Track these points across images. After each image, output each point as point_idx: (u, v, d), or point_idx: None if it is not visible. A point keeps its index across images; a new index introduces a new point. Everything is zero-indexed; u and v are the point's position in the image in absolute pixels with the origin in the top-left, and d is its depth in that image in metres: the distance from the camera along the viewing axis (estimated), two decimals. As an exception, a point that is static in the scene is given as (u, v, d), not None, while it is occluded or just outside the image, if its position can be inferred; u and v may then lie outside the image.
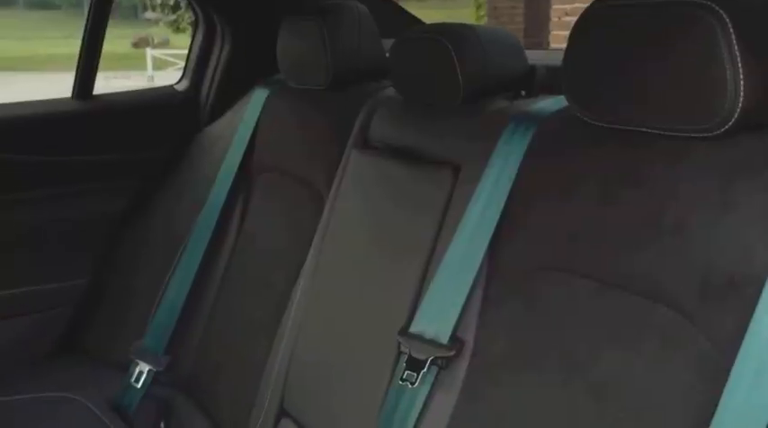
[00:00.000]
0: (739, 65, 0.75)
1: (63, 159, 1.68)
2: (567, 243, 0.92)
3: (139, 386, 1.63)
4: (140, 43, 14.64)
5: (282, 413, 1.29)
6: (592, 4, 0.89)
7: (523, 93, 1.19)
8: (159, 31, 15.38)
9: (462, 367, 0.97)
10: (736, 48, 0.75)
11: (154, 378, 1.65)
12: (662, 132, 0.84)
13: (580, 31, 0.90)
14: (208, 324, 1.58)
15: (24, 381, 1.65)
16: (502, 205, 1.01)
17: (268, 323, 1.37)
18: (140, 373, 1.64)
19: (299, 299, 1.32)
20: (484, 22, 7.34)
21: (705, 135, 0.80)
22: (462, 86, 1.15)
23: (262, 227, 1.54)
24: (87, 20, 1.65)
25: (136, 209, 1.79)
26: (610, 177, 0.89)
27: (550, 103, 1.08)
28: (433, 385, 0.99)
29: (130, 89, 1.90)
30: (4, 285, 1.65)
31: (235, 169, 1.62)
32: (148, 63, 12.34)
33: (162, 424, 1.61)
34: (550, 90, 1.16)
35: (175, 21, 13.47)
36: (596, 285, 0.87)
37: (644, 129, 0.85)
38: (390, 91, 1.39)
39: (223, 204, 1.62)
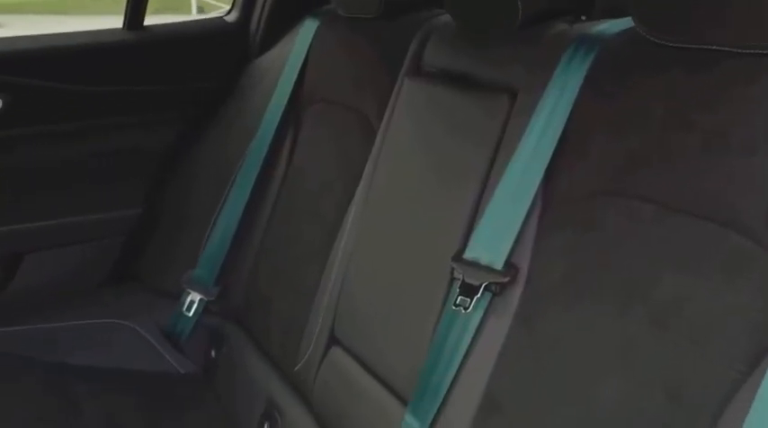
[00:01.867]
0: None
1: (114, 89, 1.69)
2: (628, 168, 0.89)
3: (191, 314, 1.66)
4: (185, -15, 14.58)
5: (333, 341, 1.29)
6: None
7: (584, 17, 1.15)
8: (204, -26, 15.29)
9: (516, 293, 0.96)
10: None
11: (205, 308, 1.67)
12: (736, 50, 0.80)
13: None
14: (258, 254, 1.59)
15: (78, 308, 1.69)
16: (560, 131, 0.98)
17: (318, 252, 1.37)
18: (192, 302, 1.66)
19: (350, 228, 1.31)
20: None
21: None
22: (520, 10, 1.11)
23: (312, 157, 1.54)
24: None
25: (186, 140, 1.79)
26: (677, 100, 0.86)
27: (612, 26, 1.04)
28: (486, 311, 0.98)
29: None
30: (59, 214, 1.68)
31: (285, 100, 1.61)
32: (193, 6, 12.32)
33: (212, 353, 1.64)
34: (612, 13, 1.11)
35: (220, -37, 13.35)
36: (659, 210, 0.84)
37: (716, 47, 0.81)
38: (443, 18, 1.35)
39: (273, 135, 1.61)
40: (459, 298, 0.99)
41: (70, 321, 1.64)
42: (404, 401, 1.08)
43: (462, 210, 1.07)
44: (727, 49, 0.81)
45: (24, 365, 1.45)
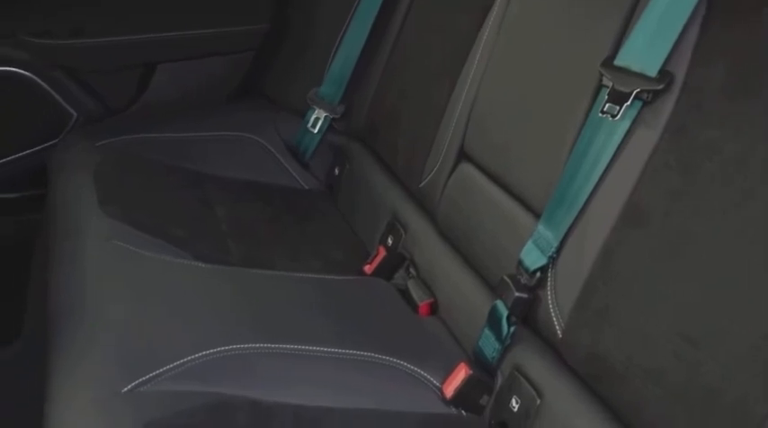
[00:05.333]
0: None
1: None
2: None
3: (315, 131, 1.68)
4: None
5: (462, 156, 1.28)
6: None
7: None
8: None
9: (670, 102, 0.90)
10: None
11: (330, 126, 1.68)
12: None
13: None
14: (385, 72, 1.57)
15: (208, 121, 1.73)
16: None
17: (450, 67, 1.33)
18: (317, 119, 1.68)
19: (486, 41, 1.26)
20: None
21: None
22: None
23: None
24: None
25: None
26: None
27: None
28: (634, 120, 0.93)
29: None
30: (190, 26, 1.69)
31: None
32: None
33: (336, 170, 1.66)
34: None
35: None
36: None
37: None
38: None
39: None
40: (608, 105, 0.95)
41: (201, 132, 1.69)
42: (536, 214, 1.06)
43: (615, 14, 1.00)
44: None
45: (167, 169, 1.52)
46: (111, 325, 1.02)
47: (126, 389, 0.91)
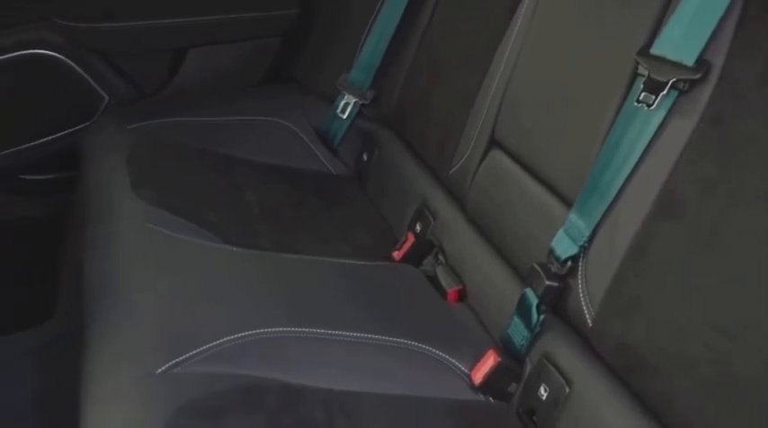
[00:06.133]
0: None
1: None
2: None
3: (345, 117, 1.68)
4: None
5: (492, 143, 1.28)
6: None
7: None
8: None
9: (706, 92, 0.89)
10: None
11: (359, 112, 1.69)
12: None
13: None
14: (416, 58, 1.57)
15: (238, 105, 1.74)
16: None
17: (482, 53, 1.33)
18: (346, 105, 1.68)
19: (519, 28, 1.25)
20: None
21: None
22: None
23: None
24: None
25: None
26: None
27: None
28: (670, 109, 0.92)
29: None
30: (220, 10, 1.69)
31: None
32: None
33: (365, 156, 1.67)
34: None
35: None
36: None
37: None
38: None
39: None
40: (643, 94, 0.94)
41: (231, 117, 1.70)
42: (567, 202, 1.06)
43: (652, 2, 0.99)
44: None
45: (198, 152, 1.53)
46: (146, 307, 1.04)
47: (161, 370, 0.93)
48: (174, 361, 0.94)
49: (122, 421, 0.86)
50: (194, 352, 0.96)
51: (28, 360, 1.45)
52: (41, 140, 1.64)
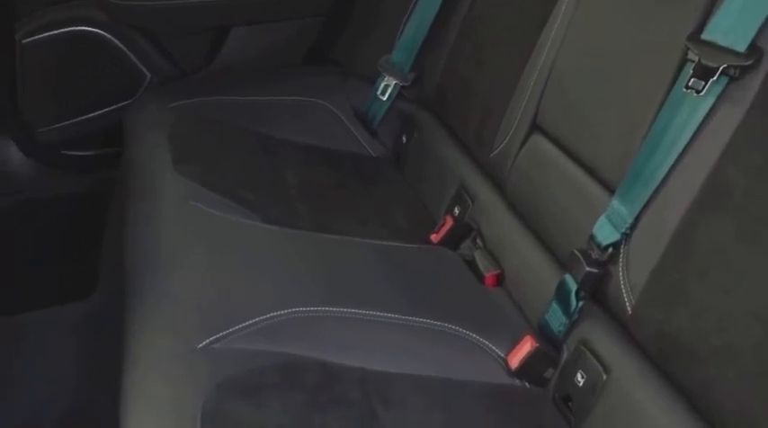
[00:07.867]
0: None
1: None
2: None
3: (385, 99, 1.68)
4: None
5: (534, 128, 1.26)
6: None
7: None
8: None
9: (758, 79, 0.88)
10: None
11: (399, 93, 1.68)
12: None
13: None
14: (457, 41, 1.55)
15: (276, 84, 1.74)
16: None
17: (526, 36, 1.31)
18: (386, 87, 1.68)
19: (566, 7, 1.24)
20: None
21: None
22: None
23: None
24: None
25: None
26: None
27: None
28: (719, 96, 0.91)
29: None
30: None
31: None
32: None
33: (404, 138, 1.66)
34: None
35: None
36: None
37: None
38: None
39: None
40: (692, 80, 0.92)
41: (271, 96, 1.70)
42: (609, 188, 1.05)
43: (704, -13, 0.97)
44: None
45: (239, 131, 1.54)
46: (187, 283, 1.05)
47: (201, 345, 0.94)
48: (214, 337, 0.95)
49: (165, 394, 0.87)
50: (235, 328, 0.97)
51: (71, 332, 1.48)
52: (85, 116, 1.66)
